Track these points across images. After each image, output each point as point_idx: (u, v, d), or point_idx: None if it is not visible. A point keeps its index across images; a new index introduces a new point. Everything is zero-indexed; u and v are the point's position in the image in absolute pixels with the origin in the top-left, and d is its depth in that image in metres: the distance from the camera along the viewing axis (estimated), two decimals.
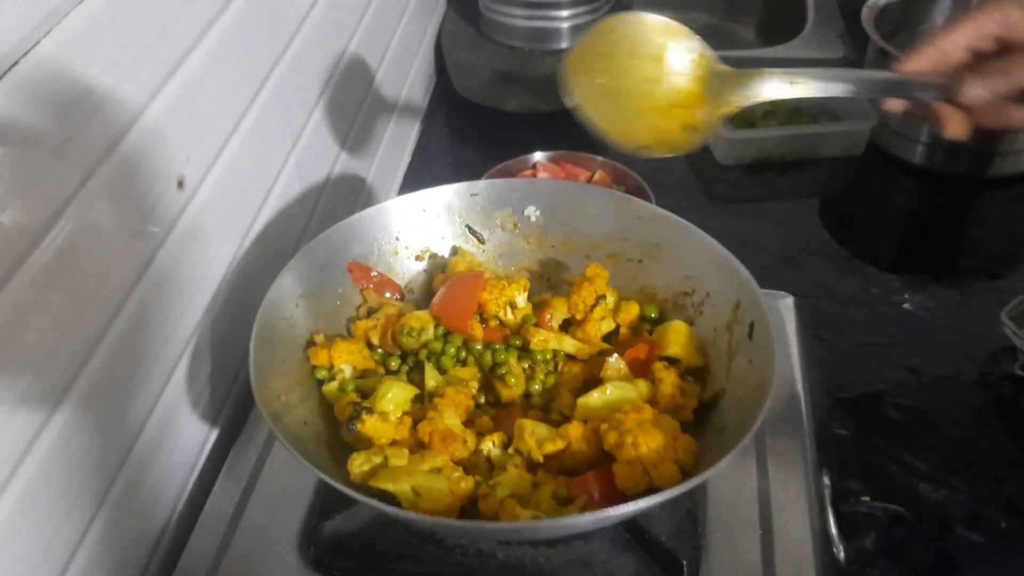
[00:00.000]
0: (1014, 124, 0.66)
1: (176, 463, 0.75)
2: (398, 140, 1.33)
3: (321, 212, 1.02)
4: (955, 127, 0.67)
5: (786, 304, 0.91)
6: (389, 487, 0.65)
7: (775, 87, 0.69)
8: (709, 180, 1.35)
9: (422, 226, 0.89)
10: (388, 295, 0.87)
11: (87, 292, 0.59)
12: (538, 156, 1.19)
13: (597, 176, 1.17)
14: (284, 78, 0.87)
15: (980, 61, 0.66)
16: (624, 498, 0.65)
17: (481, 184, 0.90)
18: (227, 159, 0.76)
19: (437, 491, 0.65)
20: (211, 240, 0.76)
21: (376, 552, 0.68)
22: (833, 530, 0.74)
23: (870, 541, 0.80)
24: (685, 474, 0.66)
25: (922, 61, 0.67)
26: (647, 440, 0.65)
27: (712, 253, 0.79)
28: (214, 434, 0.81)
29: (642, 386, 0.73)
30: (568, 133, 1.41)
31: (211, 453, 0.80)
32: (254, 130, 0.81)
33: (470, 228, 0.90)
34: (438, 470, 0.67)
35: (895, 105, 0.71)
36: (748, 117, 1.38)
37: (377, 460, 0.68)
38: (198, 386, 0.77)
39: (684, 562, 0.65)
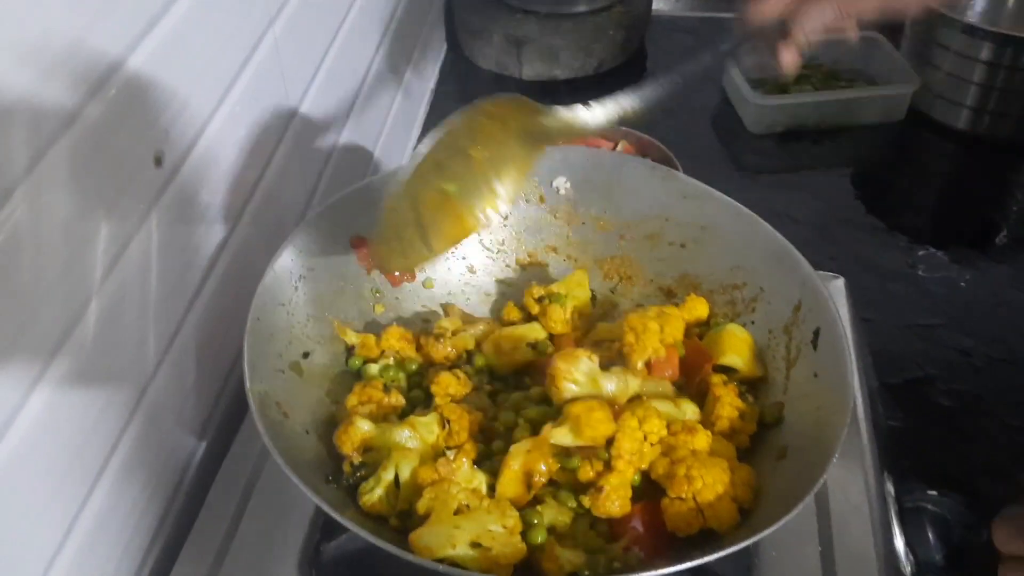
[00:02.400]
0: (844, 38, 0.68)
1: (160, 479, 0.67)
2: (407, 112, 1.25)
3: (324, 190, 0.94)
4: (790, 59, 0.69)
5: (836, 287, 0.82)
6: (449, 553, 0.55)
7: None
8: (738, 150, 1.28)
9: None
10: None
11: (45, 284, 0.51)
12: None
13: (620, 146, 1.08)
14: (279, 42, 0.79)
15: None
16: (674, 540, 0.58)
17: None
18: (213, 133, 0.68)
19: (496, 552, 0.56)
20: (197, 223, 0.68)
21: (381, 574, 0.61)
22: (900, 544, 0.66)
23: (940, 554, 0.72)
24: (742, 512, 0.58)
25: (767, 8, 0.67)
26: (703, 473, 0.57)
27: (768, 242, 0.70)
28: (202, 447, 0.73)
29: (687, 409, 0.64)
30: (587, 101, 1.36)
31: (199, 467, 0.72)
32: (244, 100, 0.72)
33: None
34: (467, 507, 0.58)
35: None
36: (781, 82, 1.30)
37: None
38: (183, 392, 0.69)
39: None
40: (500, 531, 0.57)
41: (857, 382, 0.75)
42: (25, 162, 0.48)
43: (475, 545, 0.56)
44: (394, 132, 1.18)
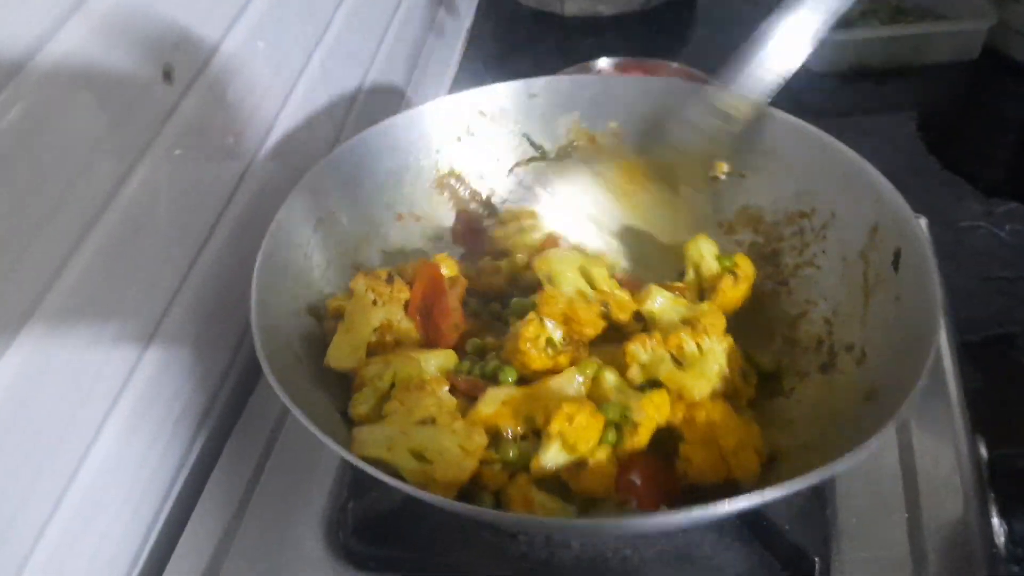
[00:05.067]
0: None
1: (172, 430, 0.62)
2: (442, 51, 1.19)
3: (350, 131, 0.87)
4: None
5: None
6: (383, 455, 0.52)
7: None
8: (799, 89, 1.15)
9: (468, 137, 0.73)
10: None
11: (37, 209, 0.45)
12: (602, 63, 1.06)
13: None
14: None
15: None
16: (674, 497, 0.52)
17: (540, 82, 0.73)
18: (230, 49, 0.61)
19: (448, 452, 0.52)
20: (211, 152, 0.61)
21: (419, 539, 0.55)
22: (994, 514, 0.58)
23: None
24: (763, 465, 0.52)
25: None
26: (726, 420, 0.52)
27: (839, 162, 0.63)
28: (221, 398, 0.68)
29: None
30: (633, 38, 1.29)
31: (218, 420, 0.67)
32: (265, 17, 0.66)
33: (529, 139, 0.75)
34: (432, 420, 0.53)
35: None
36: (845, 16, 1.20)
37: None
38: (194, 344, 0.63)
39: (816, 559, 0.51)
40: (454, 451, 0.52)
41: (946, 337, 0.68)
42: (6, 71, 0.42)
43: (418, 456, 0.52)
44: (426, 73, 1.11)
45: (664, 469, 0.53)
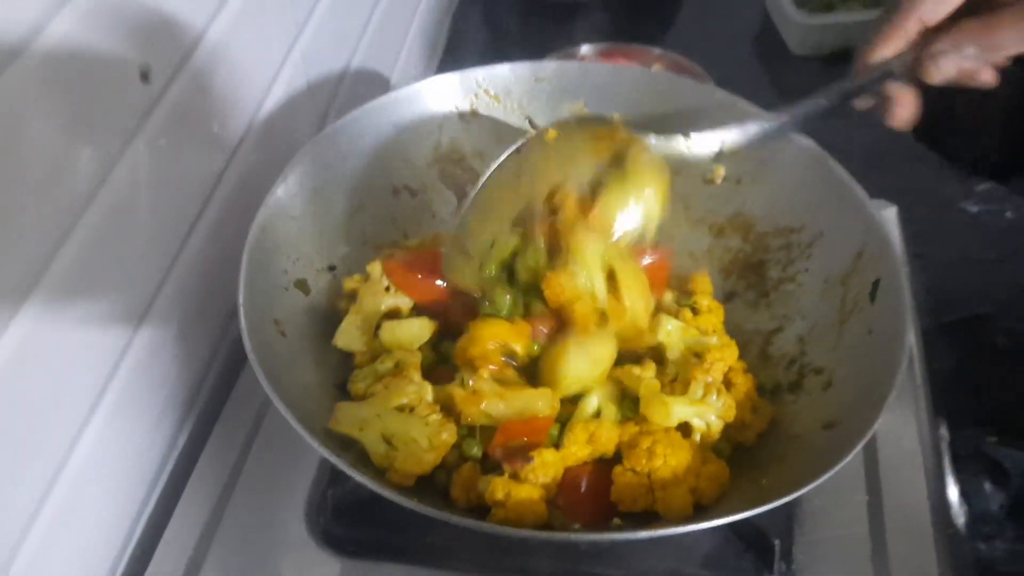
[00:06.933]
0: (978, 85, 0.57)
1: (158, 417, 0.63)
2: (426, 35, 1.20)
3: (335, 117, 0.88)
4: (905, 112, 0.58)
5: (888, 216, 0.76)
6: (355, 433, 0.54)
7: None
8: (781, 72, 1.20)
9: (471, 116, 0.74)
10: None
11: (21, 210, 0.46)
12: (585, 49, 1.06)
13: (655, 69, 1.01)
14: None
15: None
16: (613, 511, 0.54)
17: (550, 66, 0.74)
18: (209, 46, 0.62)
19: (413, 444, 0.54)
20: (192, 148, 0.63)
21: (396, 523, 0.57)
22: (954, 494, 0.60)
23: (997, 504, 0.67)
24: (699, 508, 0.54)
25: (890, 46, 0.57)
26: (667, 452, 0.53)
27: (834, 183, 0.64)
28: (205, 385, 0.69)
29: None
30: (620, 22, 1.29)
31: (202, 406, 0.69)
32: (244, 10, 0.66)
33: (531, 121, 0.75)
34: (411, 409, 0.55)
35: (863, 104, 0.61)
36: (826, 0, 1.21)
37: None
38: (183, 327, 0.65)
39: (776, 542, 0.53)
40: (421, 443, 0.54)
41: (912, 323, 0.69)
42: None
43: (387, 441, 0.54)
44: (412, 56, 1.12)
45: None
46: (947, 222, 0.98)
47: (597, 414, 0.57)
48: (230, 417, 0.66)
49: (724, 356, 0.60)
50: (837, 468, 0.46)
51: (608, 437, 0.55)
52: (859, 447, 0.47)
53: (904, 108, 0.58)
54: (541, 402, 0.56)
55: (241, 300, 0.54)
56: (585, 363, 0.56)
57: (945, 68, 0.55)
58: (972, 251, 0.95)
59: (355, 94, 0.93)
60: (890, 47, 0.57)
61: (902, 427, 0.61)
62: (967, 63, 0.54)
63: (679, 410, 0.56)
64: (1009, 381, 0.82)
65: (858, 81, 0.59)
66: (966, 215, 0.99)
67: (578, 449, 0.54)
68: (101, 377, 0.56)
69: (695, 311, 0.64)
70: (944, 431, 0.63)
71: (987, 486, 0.66)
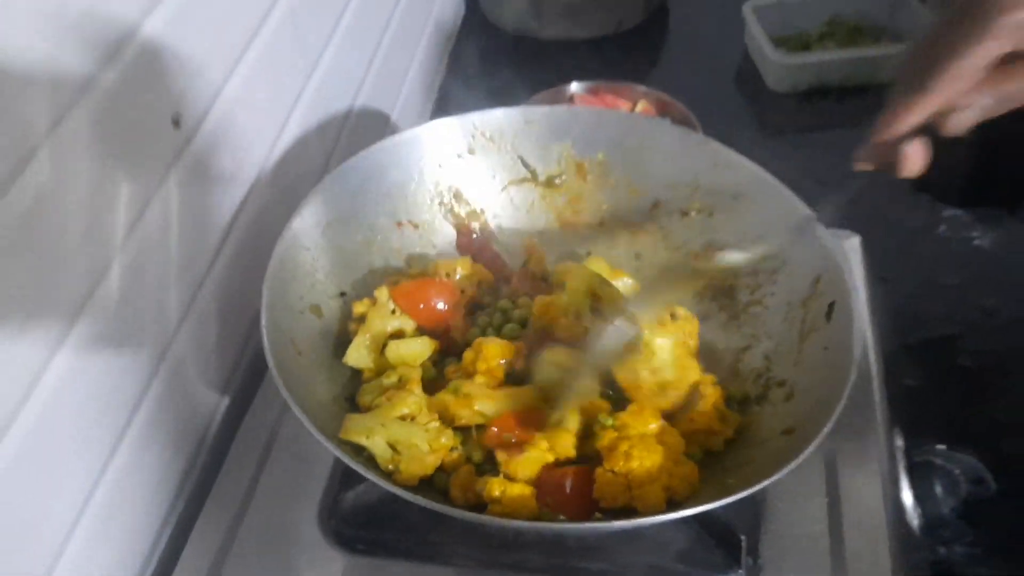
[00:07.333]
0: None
1: (182, 436, 0.69)
2: (425, 74, 1.26)
3: (342, 153, 0.95)
4: (916, 165, 0.55)
5: (852, 244, 0.82)
6: (363, 441, 0.61)
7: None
8: (761, 109, 1.26)
9: (468, 155, 0.81)
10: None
11: (67, 246, 0.53)
12: (575, 87, 1.11)
13: (640, 107, 1.08)
14: (294, 3, 0.79)
15: None
16: (597, 508, 0.61)
17: (539, 111, 0.81)
18: (230, 94, 0.69)
19: (415, 448, 0.61)
20: (216, 184, 0.69)
21: (400, 524, 0.63)
22: (908, 498, 0.66)
23: (948, 507, 0.73)
24: (672, 503, 0.60)
25: (913, 117, 0.52)
26: (643, 455, 0.59)
27: (792, 213, 0.69)
28: (224, 403, 0.75)
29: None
30: (609, 61, 1.35)
31: (222, 422, 0.75)
32: (260, 62, 0.73)
33: (523, 160, 0.82)
34: (412, 417, 0.63)
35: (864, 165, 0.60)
36: (804, 39, 1.28)
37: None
38: (205, 351, 0.71)
39: (743, 537, 0.59)
40: (422, 447, 0.61)
41: (872, 342, 0.75)
42: (45, 125, 0.49)
43: (392, 447, 0.61)
44: (412, 95, 1.18)
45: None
46: (916, 247, 1.03)
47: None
48: (247, 432, 0.72)
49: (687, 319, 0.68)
50: (792, 466, 0.52)
51: (564, 444, 0.62)
52: (813, 447, 0.53)
53: (915, 162, 0.55)
54: (524, 398, 0.64)
55: (264, 323, 0.61)
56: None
57: (964, 122, 0.52)
58: (939, 275, 0.99)
59: (360, 131, 1.00)
60: (913, 119, 0.53)
61: (861, 437, 0.67)
62: (986, 113, 0.51)
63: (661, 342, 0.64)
64: (970, 398, 0.87)
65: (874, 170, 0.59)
66: (934, 241, 1.03)
67: (543, 453, 0.61)
68: (132, 398, 0.62)
69: (674, 316, 0.71)
70: (900, 441, 0.69)
71: (938, 490, 0.72)
